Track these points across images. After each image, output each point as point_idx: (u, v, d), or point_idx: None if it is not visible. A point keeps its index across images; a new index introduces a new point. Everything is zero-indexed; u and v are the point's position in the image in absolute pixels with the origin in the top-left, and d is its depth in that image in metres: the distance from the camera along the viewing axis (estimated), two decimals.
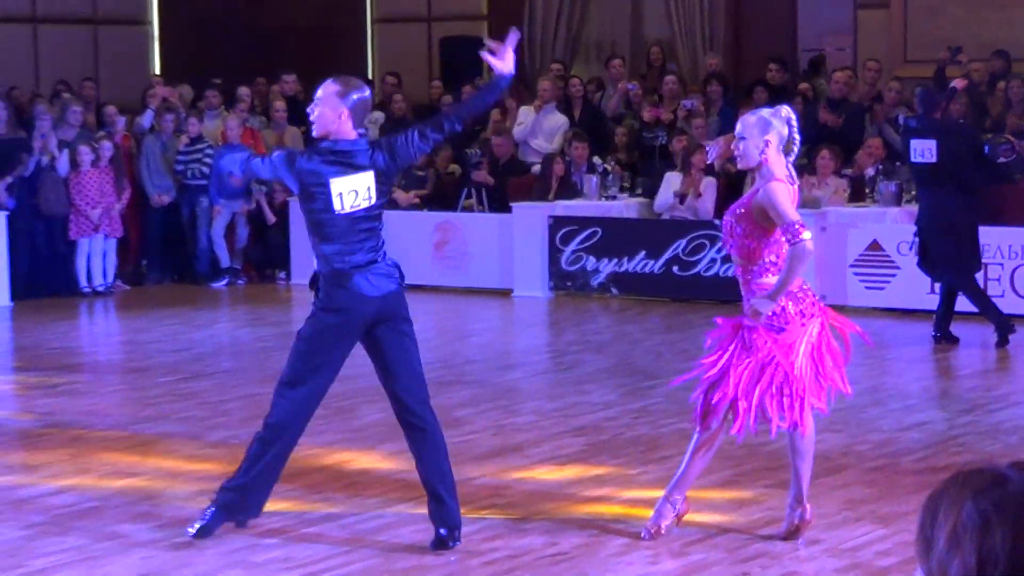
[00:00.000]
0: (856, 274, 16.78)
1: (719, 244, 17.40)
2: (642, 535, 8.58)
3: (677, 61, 22.57)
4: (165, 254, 20.62)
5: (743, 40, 22.63)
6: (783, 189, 8.22)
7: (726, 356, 8.40)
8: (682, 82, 21.14)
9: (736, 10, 22.59)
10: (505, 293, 18.45)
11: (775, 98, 19.54)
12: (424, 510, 9.21)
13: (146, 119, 20.71)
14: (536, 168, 19.50)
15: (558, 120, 20.02)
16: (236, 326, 17.72)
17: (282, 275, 20.35)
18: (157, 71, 24.44)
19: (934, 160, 14.51)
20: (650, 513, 8.86)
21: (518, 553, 8.43)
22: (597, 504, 9.31)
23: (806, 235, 8.02)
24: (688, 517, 8.96)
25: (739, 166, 8.66)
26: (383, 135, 21.04)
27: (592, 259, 17.99)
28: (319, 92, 8.49)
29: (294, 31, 25.09)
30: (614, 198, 18.90)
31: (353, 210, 8.34)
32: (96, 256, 19.41)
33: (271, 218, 20.15)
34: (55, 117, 19.73)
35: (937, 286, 15.29)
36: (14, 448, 11.42)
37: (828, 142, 17.91)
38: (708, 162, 8.42)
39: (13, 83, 21.80)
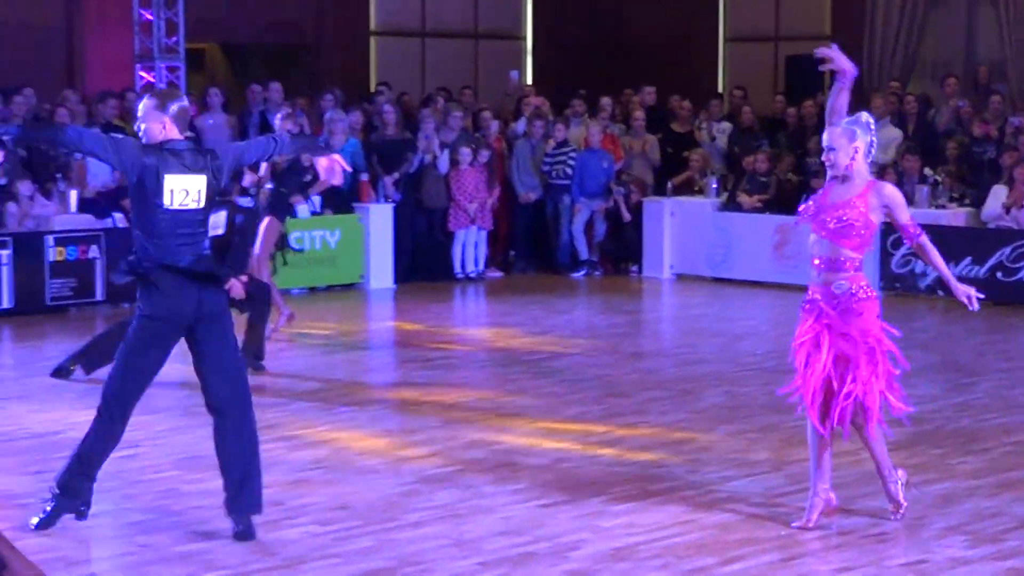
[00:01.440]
0: None
1: None
2: (792, 525, 8.41)
3: (1007, 81, 21.94)
4: (531, 246, 20.82)
5: None
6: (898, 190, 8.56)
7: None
8: (1011, 101, 20.56)
9: None
10: None
11: None
12: (759, 486, 9.16)
13: (520, 125, 20.95)
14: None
15: (892, 134, 19.65)
16: (592, 313, 17.80)
17: (634, 268, 20.36)
18: (529, 81, 24.69)
19: None
20: (968, 499, 8.88)
21: (845, 531, 8.31)
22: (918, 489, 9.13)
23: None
24: (1003, 507, 8.77)
25: (830, 173, 8.44)
26: (730, 144, 21.04)
27: (920, 263, 17.61)
28: (139, 111, 8.31)
29: (652, 46, 25.09)
30: (943, 207, 18.49)
31: (181, 208, 8.10)
32: (470, 246, 19.71)
33: (627, 216, 20.19)
34: (438, 121, 20.09)
35: None
36: (394, 414, 11.65)
37: None
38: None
39: (403, 90, 22.25)
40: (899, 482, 8.54)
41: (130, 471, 9.60)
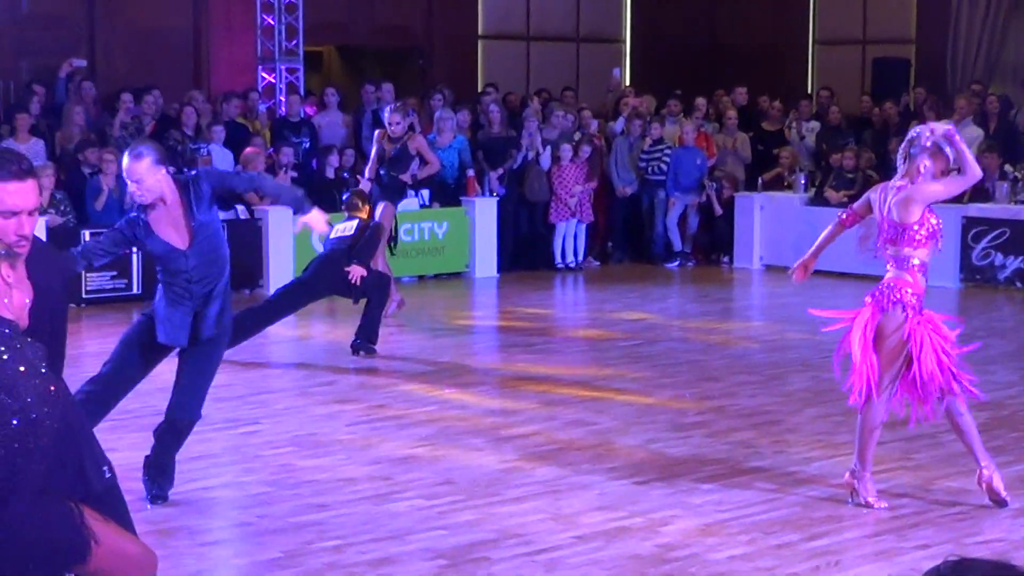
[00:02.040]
0: None
1: None
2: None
3: None
4: (627, 238, 20.78)
5: None
6: None
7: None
8: None
9: None
10: None
11: None
12: (843, 467, 9.08)
13: (618, 124, 20.90)
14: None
15: (974, 132, 19.42)
16: (684, 301, 17.74)
17: (725, 259, 20.26)
18: (628, 83, 24.60)
19: None
20: None
21: (923, 510, 8.23)
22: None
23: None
24: None
25: None
26: (818, 142, 20.89)
27: (1000, 256, 17.42)
28: (136, 174, 7.98)
29: (745, 49, 24.94)
30: (1022, 203, 18.26)
31: None
32: (570, 237, 19.70)
33: (719, 210, 20.09)
34: (540, 119, 20.08)
35: None
36: (496, 395, 11.66)
37: None
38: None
39: (508, 90, 22.25)
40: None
41: (250, 447, 9.68)
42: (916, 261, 8.22)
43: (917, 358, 8.10)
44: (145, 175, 8.04)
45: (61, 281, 5.16)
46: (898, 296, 8.20)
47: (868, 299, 8.31)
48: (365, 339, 13.22)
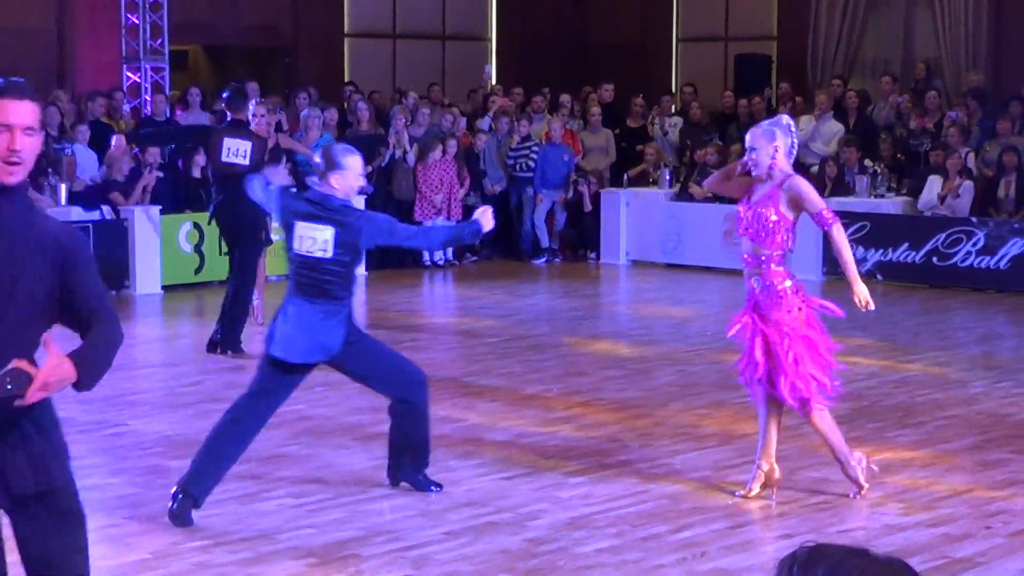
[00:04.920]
0: None
1: (975, 238, 17.01)
2: (736, 494, 8.41)
3: (943, 77, 22.01)
4: (495, 235, 20.75)
5: (1003, 57, 21.92)
6: (807, 182, 8.32)
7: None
8: (946, 96, 20.64)
9: (997, 30, 21.90)
10: None
11: None
12: (709, 459, 9.17)
13: (485, 122, 20.93)
14: (814, 169, 19.22)
15: (834, 127, 19.71)
16: (552, 297, 17.81)
17: (592, 255, 20.38)
18: (494, 80, 24.65)
19: None
20: (905, 471, 8.92)
21: (786, 500, 8.33)
22: None
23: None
24: (937, 477, 8.83)
25: (753, 174, 8.31)
26: (681, 138, 21.06)
27: (861, 249, 17.66)
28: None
29: (611, 47, 25.09)
30: (882, 196, 18.56)
31: (307, 254, 8.22)
32: None
33: (589, 206, 20.21)
34: (407, 117, 20.05)
35: None
36: (366, 394, 11.56)
37: None
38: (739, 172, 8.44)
39: (375, 88, 22.21)
40: (859, 465, 8.45)
41: (118, 449, 9.58)
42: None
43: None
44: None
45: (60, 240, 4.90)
46: None
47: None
48: (230, 341, 13.06)
